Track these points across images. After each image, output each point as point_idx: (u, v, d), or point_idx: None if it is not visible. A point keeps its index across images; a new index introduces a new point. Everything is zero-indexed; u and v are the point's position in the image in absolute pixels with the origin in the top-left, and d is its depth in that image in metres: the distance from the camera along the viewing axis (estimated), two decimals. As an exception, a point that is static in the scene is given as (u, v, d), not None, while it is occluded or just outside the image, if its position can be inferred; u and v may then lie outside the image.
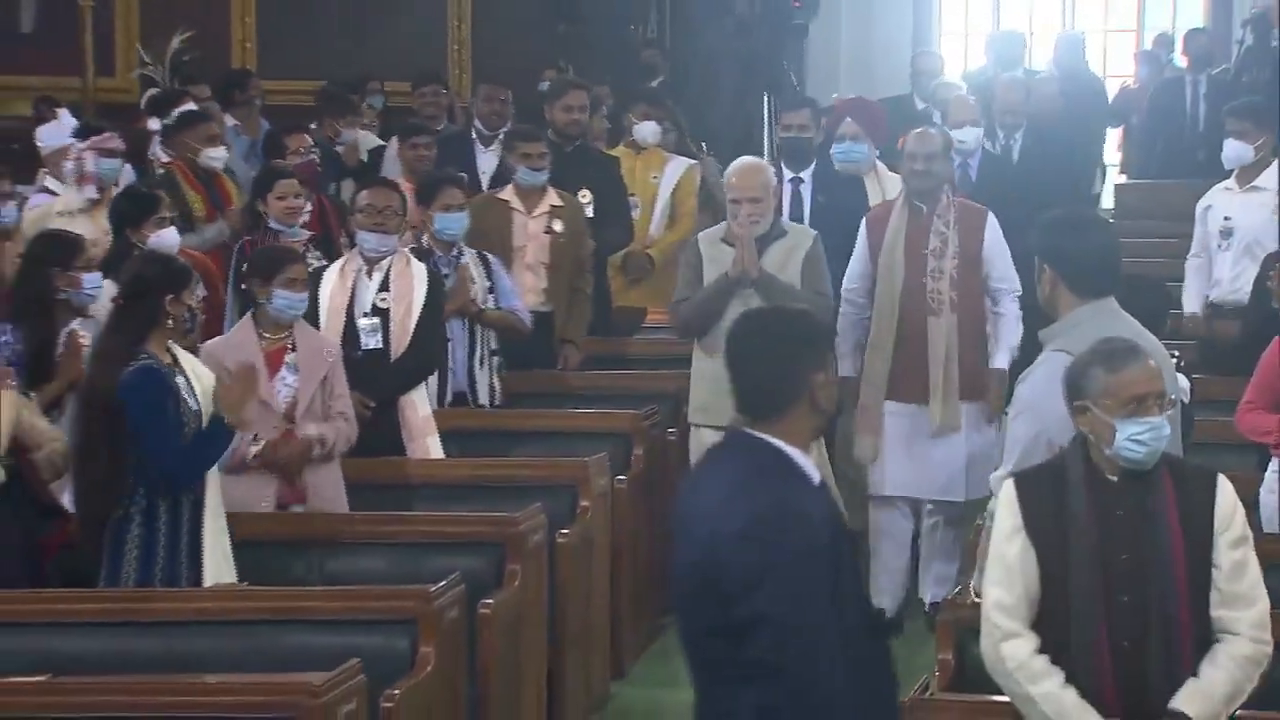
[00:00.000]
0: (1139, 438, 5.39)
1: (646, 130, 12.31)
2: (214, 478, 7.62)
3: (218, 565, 7.58)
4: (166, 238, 9.42)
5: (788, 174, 10.15)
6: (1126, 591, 5.42)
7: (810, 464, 4.81)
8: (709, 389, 8.36)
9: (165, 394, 7.46)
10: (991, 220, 8.93)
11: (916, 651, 8.05)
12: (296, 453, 8.18)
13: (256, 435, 8.04)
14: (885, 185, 10.25)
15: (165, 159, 11.74)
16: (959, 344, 8.67)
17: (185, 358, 7.65)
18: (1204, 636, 5.42)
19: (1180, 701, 5.35)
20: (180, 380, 7.51)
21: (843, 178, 10.23)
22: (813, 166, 10.15)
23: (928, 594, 9.22)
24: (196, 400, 7.52)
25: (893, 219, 8.81)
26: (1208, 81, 16.85)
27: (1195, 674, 5.39)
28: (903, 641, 7.19)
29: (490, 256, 9.87)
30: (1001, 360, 8.84)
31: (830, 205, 9.55)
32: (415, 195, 10.05)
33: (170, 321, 7.52)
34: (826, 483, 6.10)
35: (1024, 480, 5.68)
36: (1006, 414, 7.91)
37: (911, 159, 8.93)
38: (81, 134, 10.94)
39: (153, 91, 13.58)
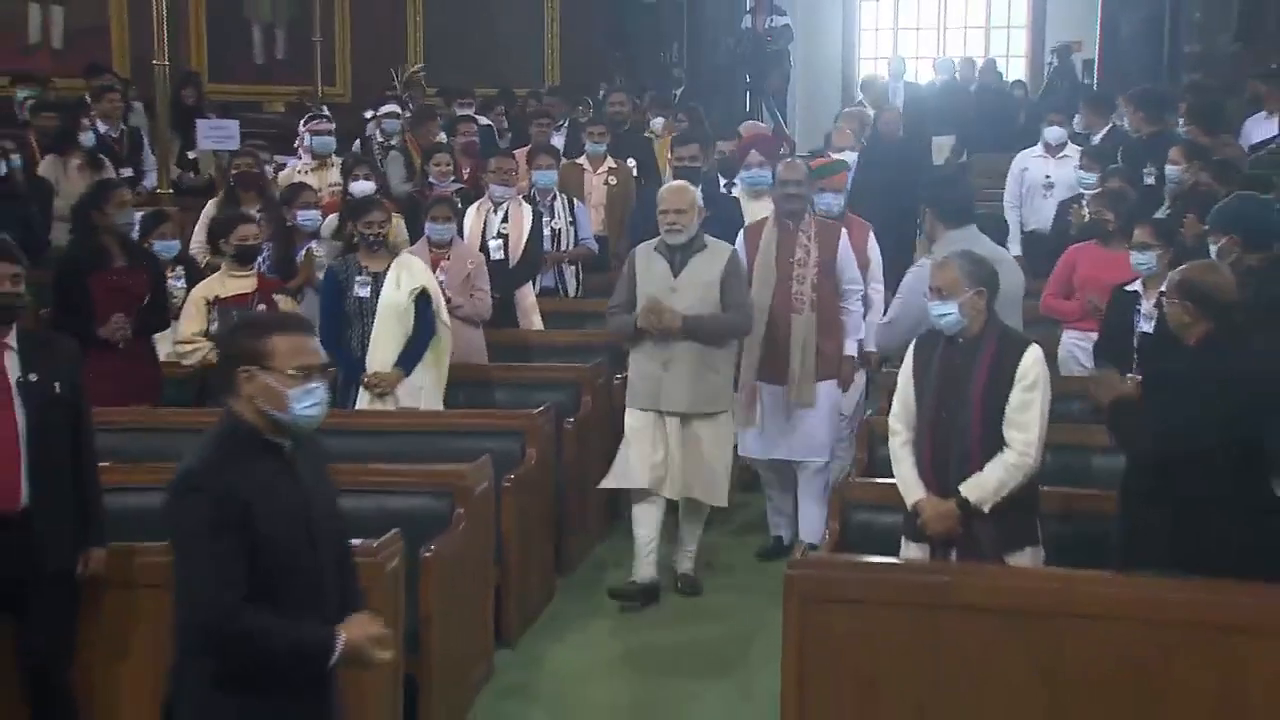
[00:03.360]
0: (936, 313, 5.46)
1: (658, 124, 12.58)
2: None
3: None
4: (363, 187, 9.39)
5: None
6: (946, 409, 5.44)
7: None
8: (637, 376, 7.34)
9: (332, 282, 7.68)
10: (844, 235, 7.85)
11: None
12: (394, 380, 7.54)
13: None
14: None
15: (381, 138, 11.75)
16: (817, 335, 7.64)
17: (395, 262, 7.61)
18: (995, 447, 5.38)
19: (964, 487, 5.39)
20: (359, 276, 7.56)
21: (723, 198, 9.21)
22: (700, 189, 8.29)
23: (805, 539, 7.47)
24: (367, 290, 7.52)
25: (765, 233, 7.74)
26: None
27: (980, 469, 5.40)
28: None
29: (575, 200, 9.98)
30: (850, 348, 7.88)
31: (714, 219, 7.96)
32: (525, 160, 10.15)
33: (357, 239, 7.73)
34: None
35: (918, 343, 5.65)
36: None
37: (783, 185, 7.80)
38: (307, 120, 11.30)
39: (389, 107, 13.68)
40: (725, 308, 7.24)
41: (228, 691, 3.81)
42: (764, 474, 8.21)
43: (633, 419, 7.35)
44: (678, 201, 7.27)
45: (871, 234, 8.30)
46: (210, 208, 9.59)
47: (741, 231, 7.98)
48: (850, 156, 10.00)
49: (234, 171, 9.79)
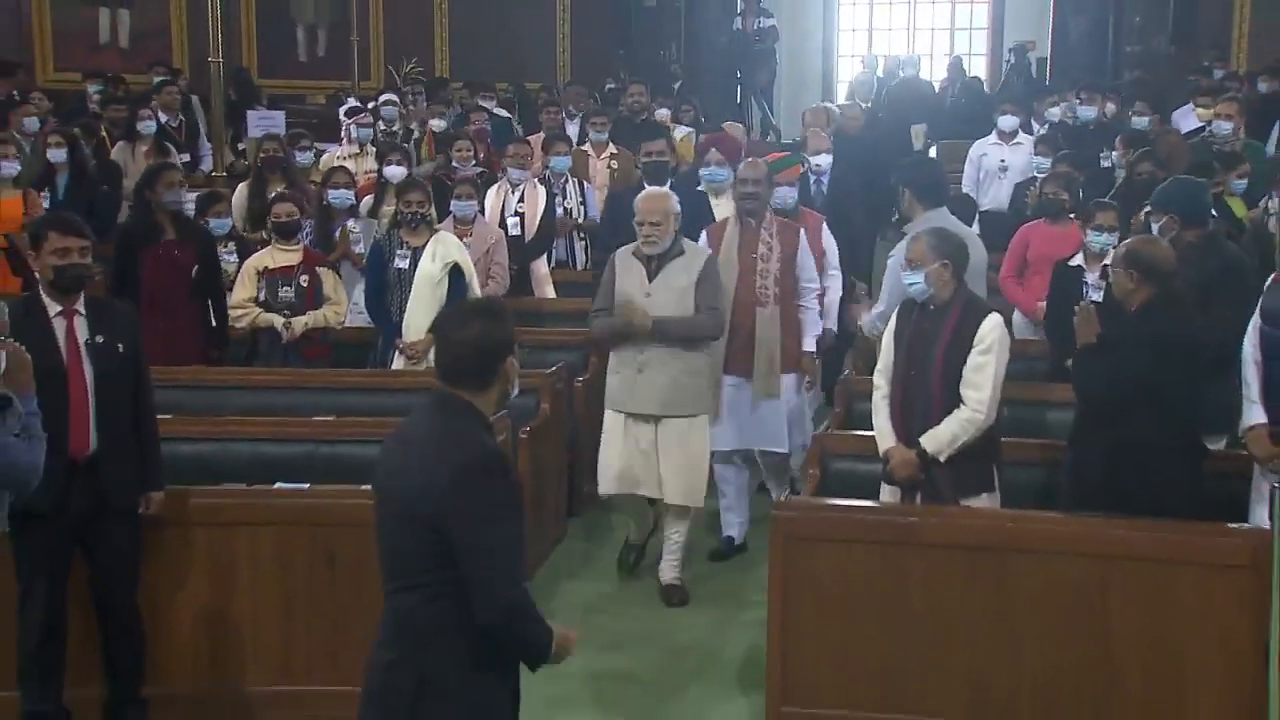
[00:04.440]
0: (907, 282, 5.51)
1: (664, 114, 12.36)
2: None
3: None
4: (395, 171, 9.28)
5: None
6: (914, 367, 5.46)
7: None
8: (614, 377, 6.64)
9: (377, 254, 7.66)
10: (803, 234, 7.18)
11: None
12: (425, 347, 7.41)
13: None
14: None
15: (384, 125, 11.63)
16: (780, 328, 6.94)
17: (433, 239, 7.53)
18: (953, 403, 5.36)
19: (923, 438, 5.39)
20: (399, 250, 7.53)
21: (692, 193, 8.01)
22: (669, 184, 8.14)
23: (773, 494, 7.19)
24: (406, 263, 7.49)
25: (728, 231, 7.05)
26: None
27: (939, 423, 5.39)
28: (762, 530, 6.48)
29: (584, 182, 9.89)
30: (809, 344, 7.14)
31: (683, 213, 7.03)
32: (541, 147, 10.06)
33: (399, 217, 7.69)
34: None
35: (901, 308, 5.65)
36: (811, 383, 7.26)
37: (742, 184, 7.07)
38: (349, 114, 11.31)
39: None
40: (697, 310, 6.57)
41: (482, 673, 3.46)
42: (719, 469, 7.17)
43: (608, 420, 6.71)
44: (654, 212, 6.60)
45: (825, 225, 7.73)
46: (241, 189, 9.53)
47: (705, 232, 7.24)
48: (827, 160, 9.11)
49: (261, 155, 9.76)
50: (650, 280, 6.59)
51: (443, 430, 3.42)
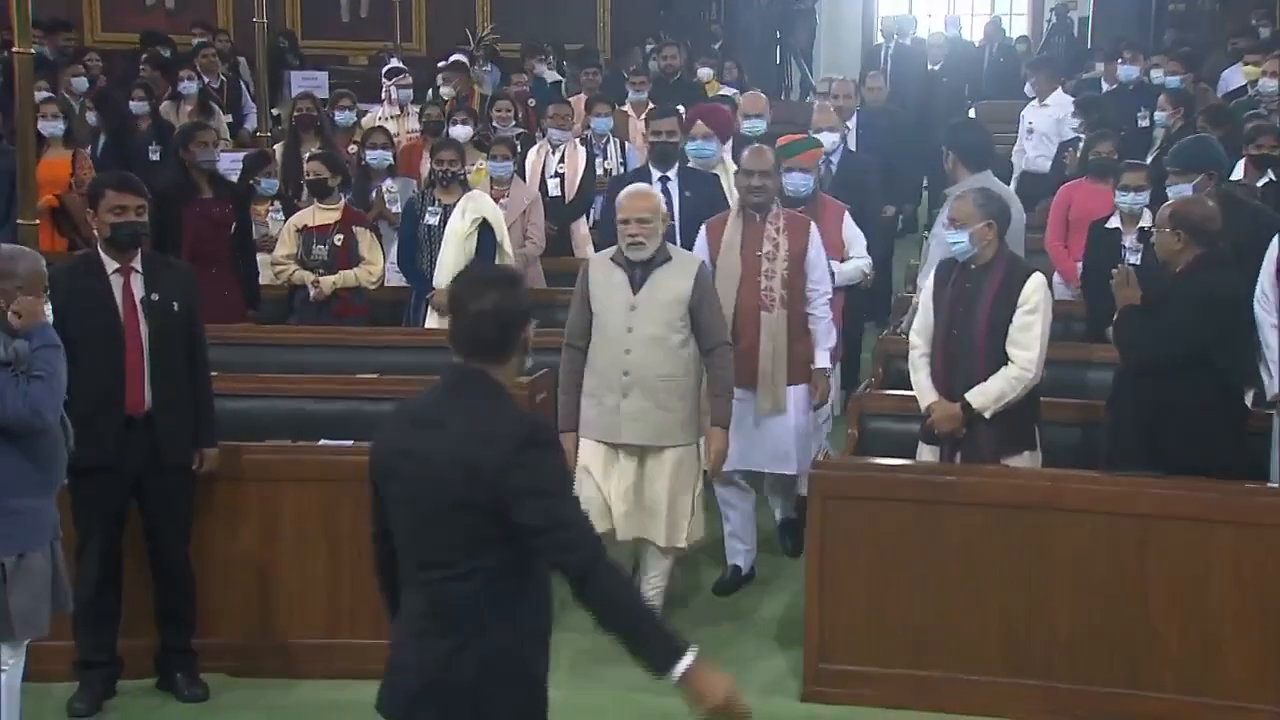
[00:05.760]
0: (951, 241, 5.51)
1: (706, 73, 12.36)
2: None
3: None
4: (462, 131, 9.11)
5: (656, 174, 7.40)
6: (957, 326, 5.45)
7: None
8: (592, 403, 5.72)
9: (410, 212, 7.75)
10: (814, 229, 6.30)
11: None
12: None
13: None
14: (732, 175, 7.22)
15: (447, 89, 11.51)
16: (788, 334, 6.14)
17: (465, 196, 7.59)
18: (999, 362, 5.36)
19: (969, 394, 5.39)
20: (430, 207, 7.64)
21: (703, 174, 7.55)
22: (677, 166, 7.46)
23: (777, 512, 6.86)
24: (436, 219, 7.58)
25: (729, 226, 6.22)
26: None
27: (985, 381, 5.38)
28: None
29: (624, 143, 9.86)
30: (822, 360, 6.30)
31: (695, 198, 7.17)
32: (584, 107, 10.08)
33: (431, 175, 7.80)
34: None
35: (939, 267, 5.66)
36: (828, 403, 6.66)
37: (747, 175, 6.23)
38: (389, 75, 11.31)
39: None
40: (700, 337, 5.68)
41: (536, 652, 3.27)
42: (721, 492, 6.41)
43: (586, 452, 5.74)
44: (640, 209, 5.68)
45: (847, 214, 7.00)
46: (277, 150, 9.58)
47: (704, 227, 6.44)
48: (831, 138, 8.05)
49: (295, 114, 9.82)
50: (635, 291, 5.68)
51: (475, 408, 3.21)
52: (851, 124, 9.26)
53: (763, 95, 9.64)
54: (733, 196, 6.84)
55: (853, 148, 9.06)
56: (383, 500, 3.30)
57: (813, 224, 6.38)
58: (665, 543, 5.76)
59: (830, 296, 6.37)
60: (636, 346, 5.66)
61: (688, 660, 3.08)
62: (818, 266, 6.29)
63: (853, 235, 7.01)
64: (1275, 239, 5.69)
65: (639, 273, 5.68)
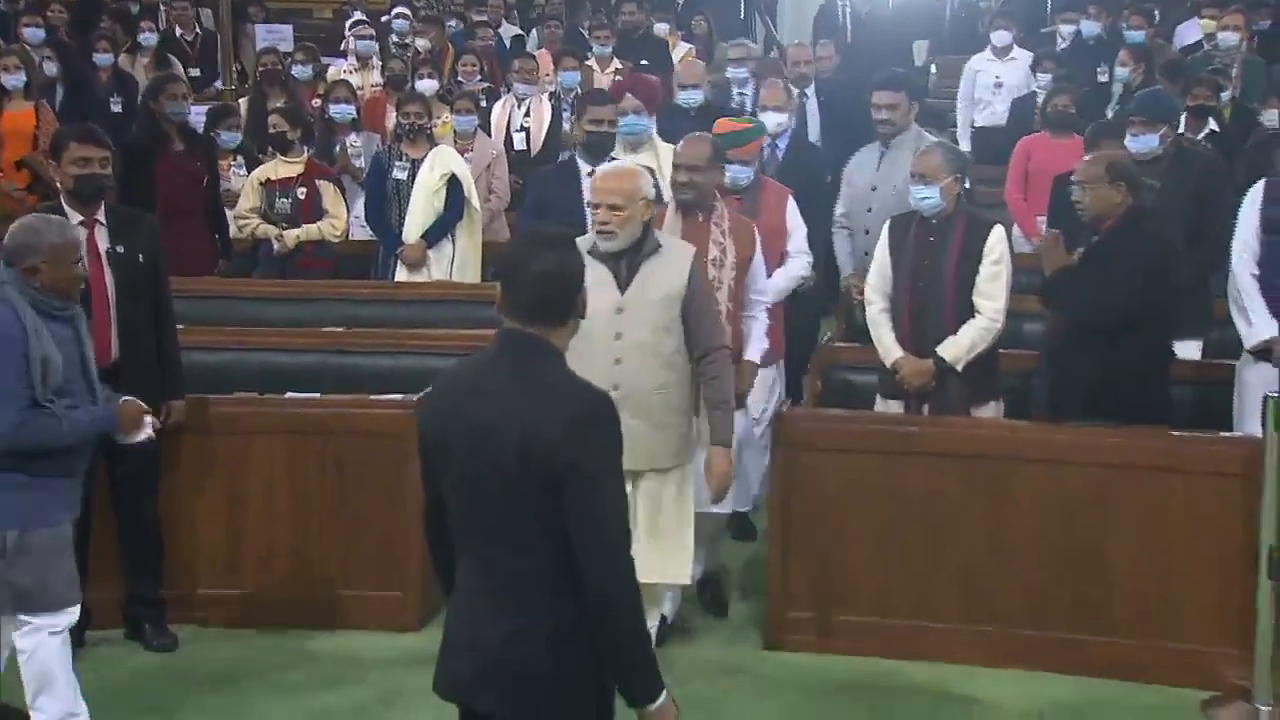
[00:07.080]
0: (918, 196, 5.44)
1: (663, 29, 12.19)
2: None
3: None
4: (428, 85, 9.07)
5: (585, 167, 6.47)
6: (922, 280, 5.43)
7: None
8: None
9: (377, 167, 7.77)
10: (758, 235, 5.50)
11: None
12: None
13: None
14: (661, 156, 6.75)
15: (396, 39, 11.47)
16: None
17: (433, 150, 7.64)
18: (966, 314, 5.36)
19: (940, 347, 5.37)
20: (399, 161, 7.66)
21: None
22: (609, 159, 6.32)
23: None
24: (404, 174, 7.61)
25: (666, 224, 5.29)
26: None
27: (954, 333, 5.38)
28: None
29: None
30: (752, 354, 5.43)
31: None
32: (551, 61, 10.05)
33: (398, 129, 7.84)
34: None
35: (893, 222, 5.62)
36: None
37: (675, 170, 5.44)
38: (353, 26, 11.23)
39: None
40: (690, 342, 4.88)
41: (580, 641, 2.97)
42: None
43: None
44: (611, 192, 4.77)
45: (791, 199, 6.17)
46: (241, 105, 9.51)
47: None
48: (778, 118, 7.18)
49: (260, 69, 9.78)
50: (623, 290, 4.83)
51: (534, 375, 2.99)
52: (810, 92, 8.84)
53: (700, 63, 9.42)
54: (666, 188, 5.77)
55: (813, 118, 8.71)
56: (434, 469, 3.09)
57: (755, 227, 5.58)
58: (671, 580, 5.07)
59: (768, 304, 5.66)
60: (627, 355, 4.82)
61: (661, 699, 2.97)
62: (760, 276, 5.55)
63: (794, 224, 6.17)
64: (1252, 191, 5.72)
65: (624, 267, 4.83)
